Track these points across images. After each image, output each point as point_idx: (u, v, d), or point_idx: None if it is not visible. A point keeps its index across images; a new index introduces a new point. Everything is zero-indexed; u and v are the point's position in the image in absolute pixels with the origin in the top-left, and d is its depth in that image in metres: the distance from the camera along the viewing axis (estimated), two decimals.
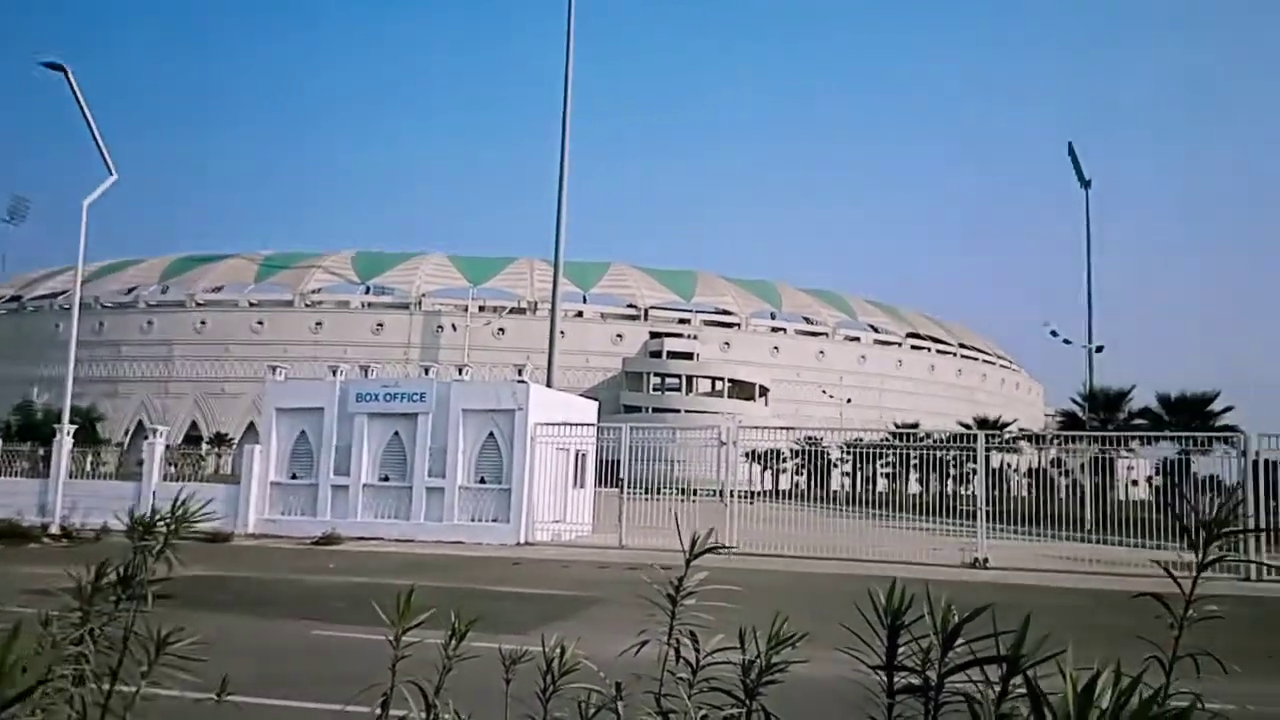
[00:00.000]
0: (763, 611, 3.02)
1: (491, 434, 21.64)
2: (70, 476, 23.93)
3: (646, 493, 21.91)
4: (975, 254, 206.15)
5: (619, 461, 21.64)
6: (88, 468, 26.65)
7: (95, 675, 1.94)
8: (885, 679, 1.96)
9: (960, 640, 2.24)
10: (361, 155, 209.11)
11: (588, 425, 23.45)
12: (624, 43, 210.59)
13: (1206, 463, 21.10)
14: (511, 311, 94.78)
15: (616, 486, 21.44)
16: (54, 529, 21.25)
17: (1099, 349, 44.68)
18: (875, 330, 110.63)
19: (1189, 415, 27.63)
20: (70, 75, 22.89)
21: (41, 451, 25.28)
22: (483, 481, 21.53)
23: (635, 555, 17.44)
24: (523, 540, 20.71)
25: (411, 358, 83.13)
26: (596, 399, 29.00)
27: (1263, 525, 16.98)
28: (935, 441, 28.13)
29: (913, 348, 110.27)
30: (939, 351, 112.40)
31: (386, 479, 22.16)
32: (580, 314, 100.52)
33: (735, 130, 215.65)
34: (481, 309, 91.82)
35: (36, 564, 14.84)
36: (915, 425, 56.93)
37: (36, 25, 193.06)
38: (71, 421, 25.06)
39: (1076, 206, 48.23)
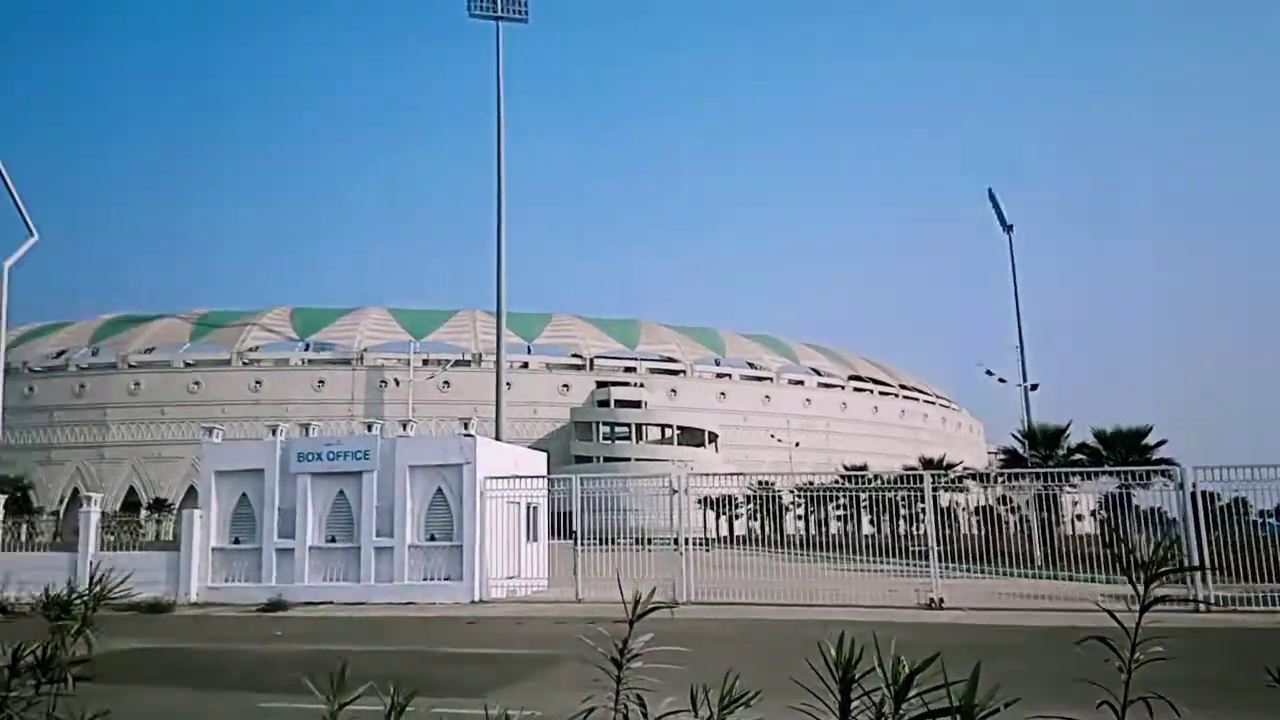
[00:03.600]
0: (715, 666, 2.93)
1: (440, 490, 21.22)
2: (2, 549, 23.05)
3: (601, 543, 21.63)
4: (907, 296, 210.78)
5: (571, 513, 21.35)
6: (21, 538, 25.64)
7: None
8: None
9: (914, 690, 2.15)
10: (289, 209, 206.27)
11: (538, 477, 23.17)
12: (557, 88, 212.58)
13: (1147, 496, 21.52)
14: (456, 364, 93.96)
15: (570, 539, 21.12)
16: None
17: (1034, 387, 45.64)
18: (818, 374, 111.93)
19: (1125, 450, 28.18)
20: None
21: None
22: (433, 539, 21.05)
23: (593, 609, 17.12)
24: (477, 598, 20.24)
25: (355, 414, 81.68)
26: (546, 450, 28.74)
27: (1205, 557, 17.25)
28: (884, 483, 28.32)
29: (855, 390, 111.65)
30: (881, 393, 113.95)
31: (333, 540, 21.55)
32: (526, 365, 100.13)
33: (669, 179, 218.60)
34: (425, 363, 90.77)
35: None
36: (863, 467, 57.20)
37: None
38: (1, 491, 24.09)
39: (1002, 249, 49.56)
